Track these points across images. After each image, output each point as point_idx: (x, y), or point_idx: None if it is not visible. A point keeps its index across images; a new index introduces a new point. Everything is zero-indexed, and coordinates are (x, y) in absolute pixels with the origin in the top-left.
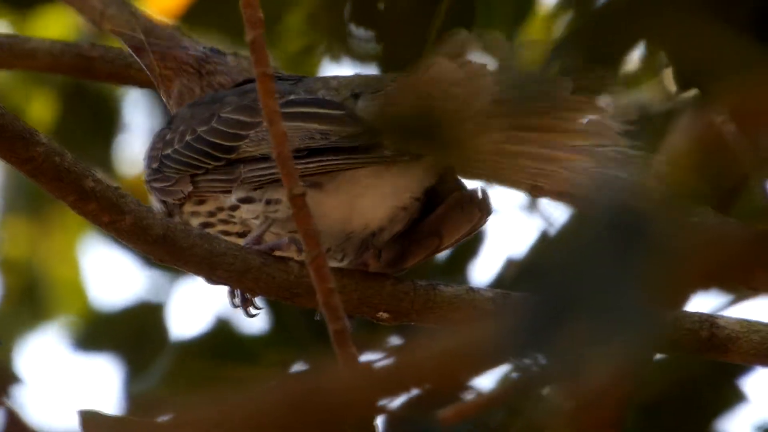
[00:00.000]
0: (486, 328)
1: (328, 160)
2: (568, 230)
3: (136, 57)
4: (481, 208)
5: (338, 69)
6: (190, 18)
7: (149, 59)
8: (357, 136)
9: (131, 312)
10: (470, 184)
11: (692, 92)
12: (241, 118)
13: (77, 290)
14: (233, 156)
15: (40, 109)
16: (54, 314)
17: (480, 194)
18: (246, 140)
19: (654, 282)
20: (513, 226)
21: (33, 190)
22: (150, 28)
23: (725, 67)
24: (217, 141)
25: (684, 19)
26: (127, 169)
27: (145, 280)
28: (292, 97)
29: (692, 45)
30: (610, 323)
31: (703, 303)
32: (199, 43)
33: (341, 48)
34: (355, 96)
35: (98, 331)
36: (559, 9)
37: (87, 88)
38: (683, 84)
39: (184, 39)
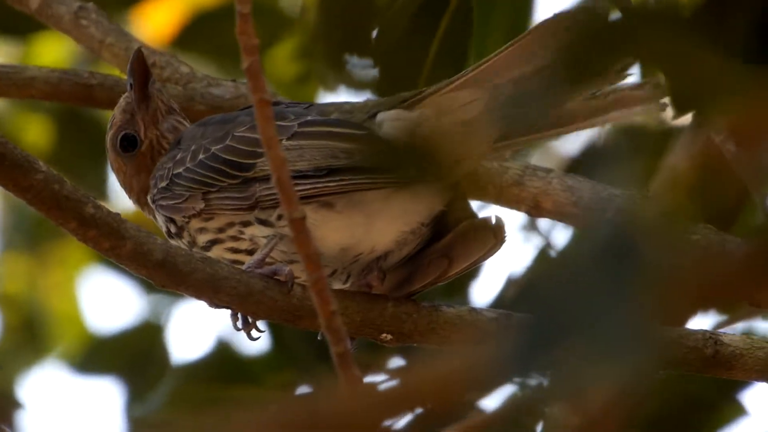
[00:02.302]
0: (486, 349)
1: (349, 179)
2: (566, 250)
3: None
4: (497, 235)
5: (334, 97)
6: (182, 41)
7: (143, 117)
8: (379, 156)
9: (132, 334)
10: (482, 212)
11: (690, 113)
12: (257, 136)
13: (76, 323)
14: (249, 174)
15: (36, 135)
16: (54, 348)
17: (495, 221)
18: (263, 158)
19: (651, 301)
20: (514, 246)
21: (31, 226)
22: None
23: (722, 88)
24: (234, 159)
25: (679, 40)
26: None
27: (145, 303)
28: (309, 117)
29: (688, 66)
30: (607, 343)
31: (706, 320)
32: (191, 71)
33: (337, 76)
34: (372, 116)
35: (98, 354)
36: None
37: (82, 114)
38: (680, 105)
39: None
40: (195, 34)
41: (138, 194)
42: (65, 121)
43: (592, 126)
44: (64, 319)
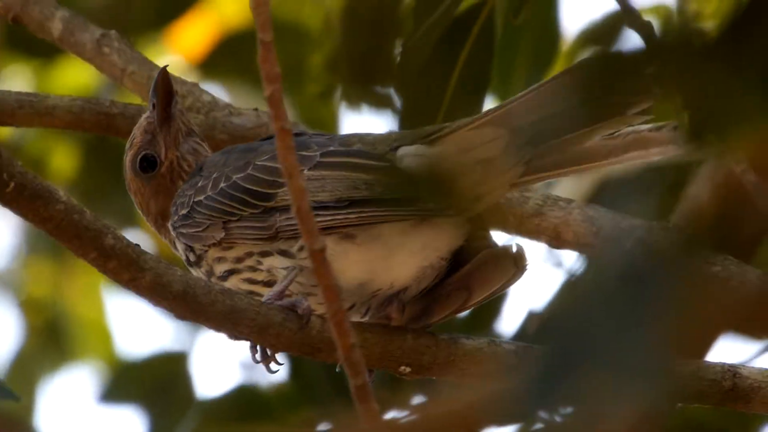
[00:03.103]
0: (504, 381)
1: (370, 210)
2: (584, 280)
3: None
4: (517, 263)
5: (356, 116)
6: (209, 65)
7: (165, 137)
8: (400, 188)
9: (156, 362)
10: (502, 239)
11: (709, 141)
12: (279, 165)
13: (101, 331)
14: (270, 204)
15: (62, 163)
16: (77, 355)
17: (515, 249)
18: (285, 188)
19: (668, 332)
20: (536, 278)
21: None
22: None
23: (741, 116)
24: (255, 188)
25: (700, 68)
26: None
27: (170, 326)
28: (331, 148)
29: (708, 95)
30: (624, 374)
31: (726, 353)
32: (214, 99)
33: (359, 97)
34: (394, 149)
35: (123, 382)
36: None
37: (108, 141)
38: (698, 134)
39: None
40: (225, 55)
41: (155, 217)
42: (91, 148)
43: (610, 165)
44: (88, 325)
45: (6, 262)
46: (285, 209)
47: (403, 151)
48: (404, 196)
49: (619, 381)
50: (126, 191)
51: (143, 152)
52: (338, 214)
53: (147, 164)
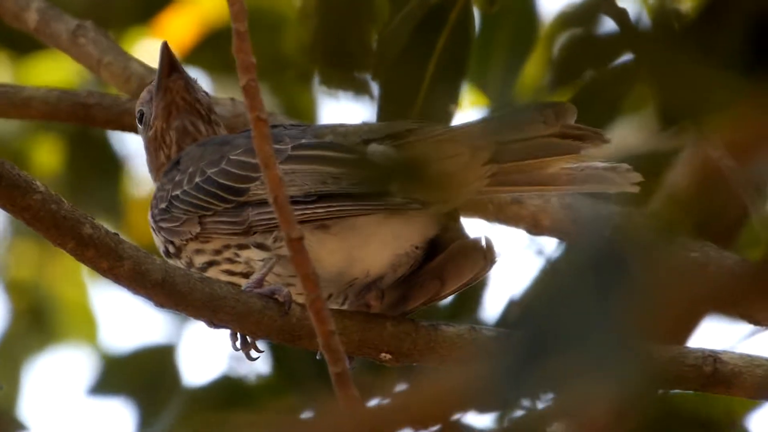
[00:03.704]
0: (478, 368)
1: (337, 205)
2: (559, 267)
3: (158, 76)
4: (486, 256)
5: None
6: (194, 56)
7: (175, 82)
8: (368, 182)
9: (144, 355)
10: (474, 232)
11: (683, 128)
12: (251, 160)
13: (85, 313)
14: (243, 198)
15: (46, 154)
16: (61, 337)
17: (484, 242)
18: (257, 182)
19: (642, 317)
20: (518, 265)
21: None
22: (145, 74)
23: (714, 101)
24: (228, 183)
25: (672, 53)
26: (133, 210)
27: (158, 317)
28: (303, 141)
29: (681, 79)
30: (596, 359)
31: (707, 339)
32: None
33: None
34: (365, 142)
35: (111, 375)
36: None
37: (92, 133)
38: (672, 120)
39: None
40: (208, 47)
41: (155, 173)
42: (75, 139)
43: (570, 191)
44: (72, 307)
45: None
46: (257, 204)
47: (373, 148)
48: (372, 190)
49: (592, 366)
50: (109, 183)
51: (139, 107)
52: (306, 209)
53: (139, 120)
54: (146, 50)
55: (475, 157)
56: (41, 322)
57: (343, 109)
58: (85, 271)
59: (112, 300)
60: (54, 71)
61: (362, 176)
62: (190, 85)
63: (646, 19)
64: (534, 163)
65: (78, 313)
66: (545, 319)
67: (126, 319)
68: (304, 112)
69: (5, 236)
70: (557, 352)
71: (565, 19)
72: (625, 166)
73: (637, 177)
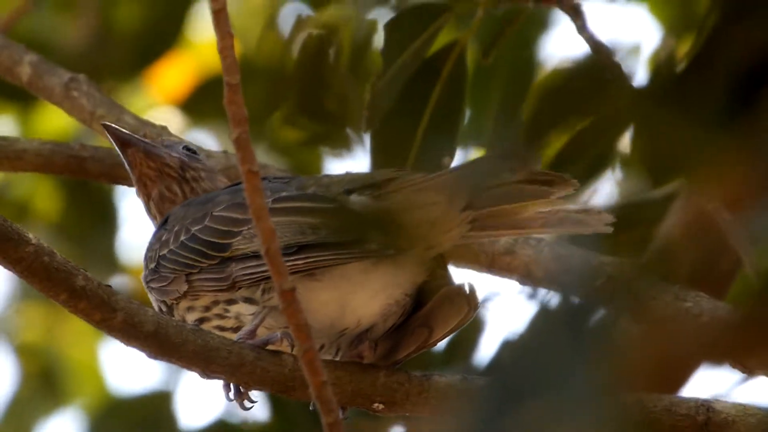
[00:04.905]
0: (454, 416)
1: (316, 256)
2: (542, 316)
3: (120, 153)
4: (470, 302)
5: (338, 161)
6: (189, 106)
7: (134, 156)
8: (345, 230)
9: (141, 401)
10: (460, 279)
11: (669, 181)
12: (233, 215)
13: (94, 375)
14: (226, 254)
15: (44, 203)
16: (70, 398)
17: (468, 289)
18: (239, 237)
19: (619, 367)
20: (513, 312)
21: None
22: (137, 126)
23: (702, 154)
24: (211, 239)
25: (658, 110)
26: (129, 260)
27: (158, 365)
28: (284, 194)
29: (667, 134)
30: (569, 408)
31: (700, 387)
32: (182, 141)
33: (331, 142)
34: (348, 192)
35: (110, 421)
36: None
37: (91, 182)
38: (660, 174)
39: (169, 139)
40: (205, 96)
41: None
42: (74, 188)
43: (546, 233)
44: (81, 369)
45: (0, 308)
46: (240, 259)
47: (354, 198)
48: (349, 238)
49: (568, 414)
50: (108, 233)
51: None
52: (288, 261)
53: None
54: (142, 101)
55: (451, 204)
56: (51, 385)
57: (347, 165)
58: (92, 330)
59: (115, 347)
60: (55, 120)
61: (339, 225)
62: (150, 152)
63: (641, 75)
64: (508, 208)
65: (87, 374)
66: (524, 368)
67: (129, 366)
68: (311, 168)
69: (14, 299)
70: (533, 400)
71: (559, 73)
72: (598, 208)
73: (609, 218)
